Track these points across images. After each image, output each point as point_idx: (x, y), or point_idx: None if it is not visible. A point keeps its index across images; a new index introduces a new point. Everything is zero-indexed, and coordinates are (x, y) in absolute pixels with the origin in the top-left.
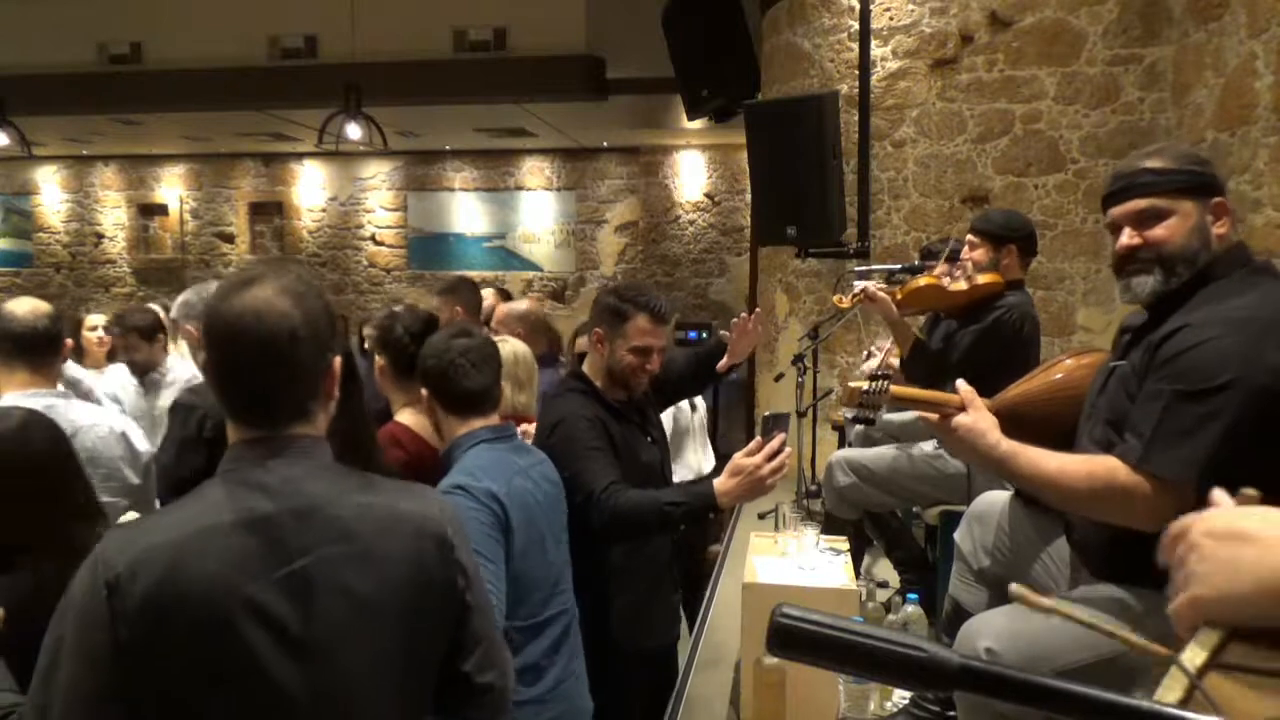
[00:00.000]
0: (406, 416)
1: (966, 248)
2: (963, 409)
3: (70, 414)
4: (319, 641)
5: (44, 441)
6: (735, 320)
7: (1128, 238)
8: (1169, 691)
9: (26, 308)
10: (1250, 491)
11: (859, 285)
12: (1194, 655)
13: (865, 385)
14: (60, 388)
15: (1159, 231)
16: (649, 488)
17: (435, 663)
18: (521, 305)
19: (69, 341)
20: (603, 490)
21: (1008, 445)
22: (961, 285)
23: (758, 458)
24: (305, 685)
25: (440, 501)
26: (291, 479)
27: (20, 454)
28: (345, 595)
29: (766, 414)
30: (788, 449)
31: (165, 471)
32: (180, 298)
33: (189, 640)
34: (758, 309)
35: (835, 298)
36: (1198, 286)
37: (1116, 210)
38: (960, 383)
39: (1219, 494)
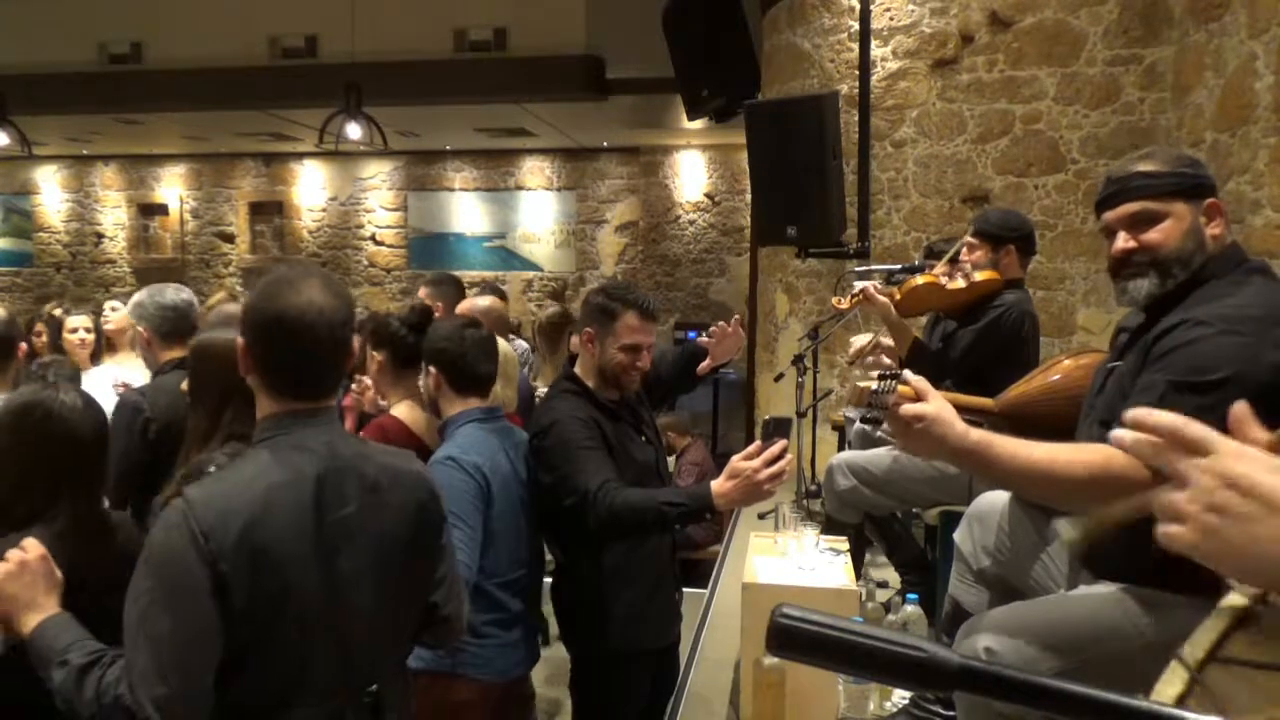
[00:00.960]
0: (402, 410)
1: (965, 249)
2: (917, 399)
3: None
4: (358, 575)
5: (96, 423)
6: (714, 327)
7: (1123, 241)
8: (1169, 685)
9: None
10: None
11: (858, 286)
12: (1194, 649)
13: (874, 385)
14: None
15: (1153, 235)
16: (645, 486)
17: (423, 593)
18: (484, 301)
19: (22, 347)
20: (598, 489)
21: (979, 434)
22: (960, 284)
23: (756, 462)
24: (347, 611)
25: (421, 463)
26: (328, 443)
27: (77, 429)
28: (375, 537)
29: (767, 418)
30: (788, 455)
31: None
32: (134, 299)
33: (269, 576)
34: (736, 315)
35: (834, 300)
36: (1193, 287)
37: (1110, 215)
38: (907, 373)
39: (1242, 410)
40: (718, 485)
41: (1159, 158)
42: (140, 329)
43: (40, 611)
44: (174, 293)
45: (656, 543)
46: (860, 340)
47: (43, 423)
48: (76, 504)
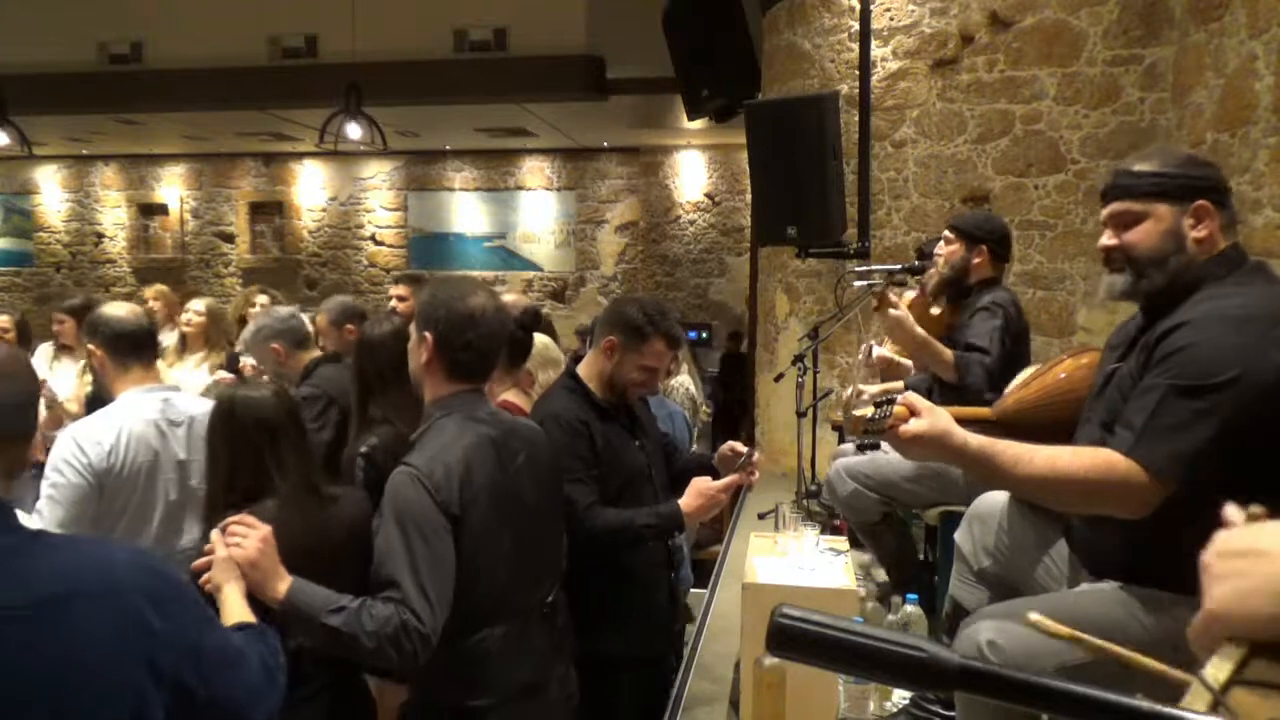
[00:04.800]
0: (512, 395)
1: (942, 243)
2: (911, 416)
3: (184, 405)
4: (531, 512)
5: (283, 406)
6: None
7: (1106, 238)
8: (1193, 702)
9: (125, 310)
10: (1256, 509)
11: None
12: (1217, 670)
13: (870, 412)
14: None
15: (1131, 235)
16: (634, 491)
17: (561, 527)
18: (508, 297)
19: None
20: (585, 509)
21: (979, 442)
22: (938, 311)
23: (718, 484)
24: (528, 540)
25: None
26: (494, 413)
27: (264, 413)
28: (536, 482)
29: (749, 450)
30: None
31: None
32: (253, 327)
33: (479, 515)
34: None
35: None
36: (1192, 289)
37: (1104, 211)
38: (909, 393)
39: (1231, 510)
40: (685, 503)
41: (1156, 157)
42: (275, 346)
43: (285, 579)
44: (282, 308)
45: (651, 547)
46: (865, 357)
47: (231, 412)
48: (286, 481)
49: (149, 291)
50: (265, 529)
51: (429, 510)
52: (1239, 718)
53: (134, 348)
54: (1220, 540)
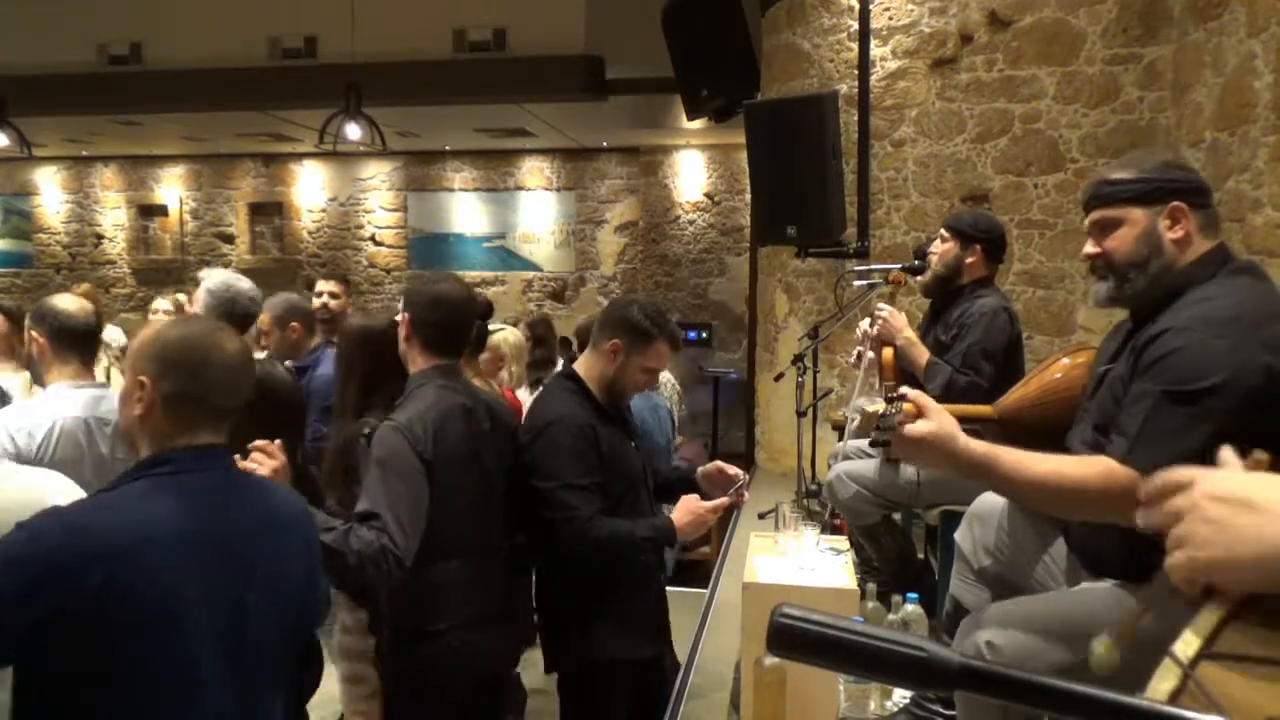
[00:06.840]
0: (478, 384)
1: (938, 241)
2: (918, 416)
3: (115, 404)
4: (494, 469)
5: (296, 390)
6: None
7: (1087, 247)
8: (1162, 681)
9: (76, 305)
10: (1261, 455)
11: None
12: (1186, 645)
13: (883, 409)
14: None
15: (1110, 242)
16: (633, 496)
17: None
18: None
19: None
20: (588, 519)
21: (984, 447)
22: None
23: (708, 505)
24: (489, 491)
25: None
26: (467, 384)
27: (282, 392)
28: (499, 444)
29: (742, 480)
30: (726, 499)
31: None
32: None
33: (447, 465)
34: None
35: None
36: (1178, 292)
37: (1085, 221)
38: (904, 389)
39: (1227, 453)
40: (677, 519)
41: (1132, 164)
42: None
43: None
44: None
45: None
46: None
47: (378, 331)
48: (290, 455)
49: (79, 289)
50: (280, 460)
51: (407, 456)
52: (1209, 692)
53: (77, 343)
54: (1212, 481)
